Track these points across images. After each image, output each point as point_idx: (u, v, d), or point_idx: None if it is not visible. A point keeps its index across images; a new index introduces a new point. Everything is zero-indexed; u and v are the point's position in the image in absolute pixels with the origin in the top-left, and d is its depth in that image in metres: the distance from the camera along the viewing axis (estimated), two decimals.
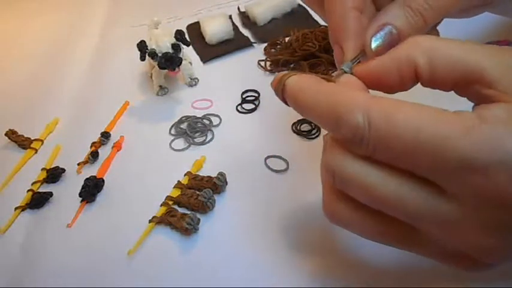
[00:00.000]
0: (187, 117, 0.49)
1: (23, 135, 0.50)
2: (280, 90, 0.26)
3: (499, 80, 0.21)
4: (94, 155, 0.45)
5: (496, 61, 0.21)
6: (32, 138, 0.49)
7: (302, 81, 0.25)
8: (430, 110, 0.21)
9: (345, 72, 0.26)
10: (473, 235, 0.22)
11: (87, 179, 0.42)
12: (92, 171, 0.44)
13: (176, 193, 0.40)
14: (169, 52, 0.47)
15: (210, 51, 0.58)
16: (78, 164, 0.45)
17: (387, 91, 0.25)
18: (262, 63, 0.54)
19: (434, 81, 0.23)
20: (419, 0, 0.26)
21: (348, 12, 0.27)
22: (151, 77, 0.53)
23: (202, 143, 0.46)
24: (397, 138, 0.21)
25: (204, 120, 0.48)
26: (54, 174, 0.44)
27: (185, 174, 0.41)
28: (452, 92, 0.24)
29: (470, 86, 0.22)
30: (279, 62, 0.53)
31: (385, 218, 0.23)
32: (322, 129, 0.44)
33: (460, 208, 0.21)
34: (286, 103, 0.26)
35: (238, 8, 0.66)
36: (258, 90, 0.50)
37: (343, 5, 0.28)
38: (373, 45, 0.26)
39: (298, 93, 0.25)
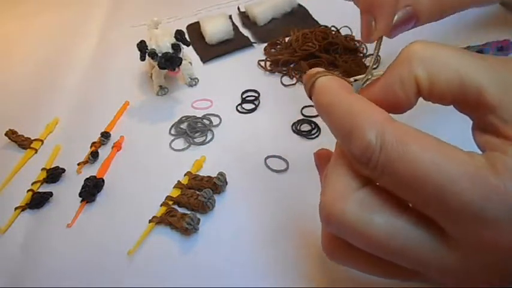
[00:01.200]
0: (187, 117, 0.49)
1: (23, 135, 0.50)
2: (309, 87, 0.26)
3: (500, 104, 0.21)
4: (94, 155, 0.45)
5: (494, 77, 0.21)
6: (32, 138, 0.49)
7: (331, 84, 0.24)
8: (445, 147, 0.20)
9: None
10: (475, 283, 0.21)
11: (87, 179, 0.42)
12: (92, 171, 0.44)
13: (176, 193, 0.40)
14: (169, 52, 0.47)
15: (210, 51, 0.58)
16: (78, 164, 0.45)
17: (395, 111, 0.24)
18: (262, 63, 0.54)
19: (433, 95, 0.22)
20: None
21: None
22: (151, 77, 0.53)
23: (202, 143, 0.46)
24: (406, 167, 0.20)
25: (204, 120, 0.48)
26: (54, 174, 0.44)
27: (185, 174, 0.41)
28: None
29: (470, 105, 0.22)
30: (279, 62, 0.53)
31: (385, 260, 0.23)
32: (322, 130, 0.44)
33: (462, 257, 0.21)
34: (311, 98, 0.26)
35: (238, 8, 0.66)
36: (258, 90, 0.50)
37: None
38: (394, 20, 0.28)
39: (324, 95, 0.24)
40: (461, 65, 0.21)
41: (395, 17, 0.28)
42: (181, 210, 0.38)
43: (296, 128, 0.45)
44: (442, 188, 0.19)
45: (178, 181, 0.41)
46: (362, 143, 0.21)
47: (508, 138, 0.20)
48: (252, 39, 0.59)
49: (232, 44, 0.58)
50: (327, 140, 0.43)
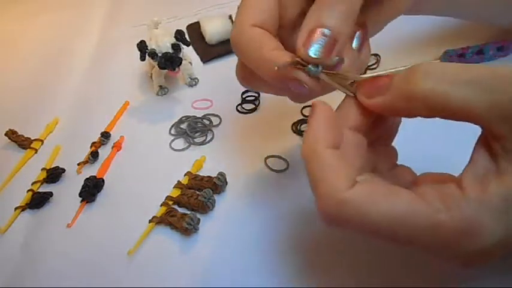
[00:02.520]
0: (187, 117, 0.49)
1: (23, 135, 0.50)
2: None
3: (505, 134, 0.21)
4: (94, 155, 0.45)
5: (499, 109, 0.21)
6: (32, 138, 0.49)
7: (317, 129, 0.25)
8: (398, 205, 0.22)
9: (311, 72, 0.26)
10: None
11: (87, 179, 0.42)
12: (92, 171, 0.44)
13: (176, 193, 0.40)
14: (169, 52, 0.47)
15: (210, 51, 0.58)
16: (78, 164, 0.45)
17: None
18: None
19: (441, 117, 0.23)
20: None
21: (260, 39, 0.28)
22: (151, 77, 0.53)
23: (202, 143, 0.46)
24: (366, 230, 0.23)
25: (204, 120, 0.48)
26: (54, 174, 0.44)
27: (185, 174, 0.41)
28: None
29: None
30: None
31: None
32: None
33: None
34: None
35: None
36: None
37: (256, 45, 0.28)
38: (312, 53, 0.26)
39: (305, 142, 0.25)
40: (468, 103, 0.21)
41: (317, 47, 0.26)
42: (181, 210, 0.38)
43: (296, 128, 0.45)
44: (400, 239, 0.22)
45: (178, 181, 0.41)
46: (323, 210, 0.23)
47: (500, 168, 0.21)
48: None
49: None
50: None
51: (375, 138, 0.28)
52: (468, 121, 0.22)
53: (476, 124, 0.22)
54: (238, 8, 0.30)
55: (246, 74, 0.32)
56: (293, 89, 0.27)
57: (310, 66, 0.26)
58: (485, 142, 0.23)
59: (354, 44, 0.29)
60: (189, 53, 0.56)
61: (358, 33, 0.29)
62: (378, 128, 0.28)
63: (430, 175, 0.27)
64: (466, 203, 0.21)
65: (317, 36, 0.26)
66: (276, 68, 0.26)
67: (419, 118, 0.24)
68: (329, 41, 0.26)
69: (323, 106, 0.25)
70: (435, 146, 0.38)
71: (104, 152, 0.46)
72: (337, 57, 0.26)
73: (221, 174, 0.40)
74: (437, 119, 0.23)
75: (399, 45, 0.52)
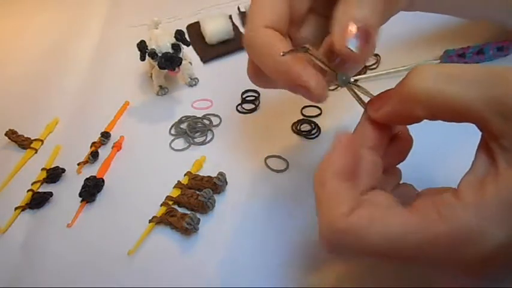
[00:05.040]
0: (187, 117, 0.49)
1: (23, 135, 0.50)
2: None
3: (502, 133, 0.21)
4: (94, 155, 0.45)
5: (495, 106, 0.21)
6: (32, 138, 0.49)
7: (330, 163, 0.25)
8: (397, 221, 0.22)
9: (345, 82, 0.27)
10: None
11: (87, 179, 0.42)
12: (92, 171, 0.44)
13: (176, 193, 0.40)
14: (169, 52, 0.47)
15: (210, 51, 0.58)
16: (78, 164, 0.45)
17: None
18: None
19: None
20: None
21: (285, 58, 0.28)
22: (151, 77, 0.53)
23: (202, 143, 0.46)
24: (361, 254, 0.23)
25: (204, 120, 0.48)
26: (54, 174, 0.44)
27: (185, 174, 0.41)
28: None
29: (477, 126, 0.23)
30: None
31: None
32: (322, 130, 0.44)
33: None
34: None
35: (238, 8, 0.66)
36: (258, 90, 0.50)
37: (273, 50, 0.28)
38: (351, 46, 0.26)
39: (318, 171, 0.25)
40: (463, 100, 0.21)
41: (356, 42, 0.26)
42: (181, 210, 0.38)
43: (296, 128, 0.45)
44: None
45: (178, 181, 0.41)
46: (324, 239, 0.23)
47: (496, 165, 0.21)
48: None
49: (232, 44, 0.58)
50: (326, 140, 0.43)
51: (387, 161, 0.28)
52: (466, 119, 0.22)
53: (474, 122, 0.22)
54: (250, 7, 0.30)
55: (257, 71, 0.32)
56: (301, 93, 0.28)
57: (339, 74, 0.27)
58: (484, 146, 0.23)
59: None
60: (189, 53, 0.56)
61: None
62: (391, 149, 0.28)
63: (431, 189, 0.27)
64: (462, 209, 0.21)
65: (353, 30, 0.26)
66: (281, 54, 0.27)
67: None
68: (364, 35, 0.26)
69: (343, 136, 0.25)
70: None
71: (104, 152, 0.46)
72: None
73: (221, 174, 0.40)
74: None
75: (399, 45, 0.52)
